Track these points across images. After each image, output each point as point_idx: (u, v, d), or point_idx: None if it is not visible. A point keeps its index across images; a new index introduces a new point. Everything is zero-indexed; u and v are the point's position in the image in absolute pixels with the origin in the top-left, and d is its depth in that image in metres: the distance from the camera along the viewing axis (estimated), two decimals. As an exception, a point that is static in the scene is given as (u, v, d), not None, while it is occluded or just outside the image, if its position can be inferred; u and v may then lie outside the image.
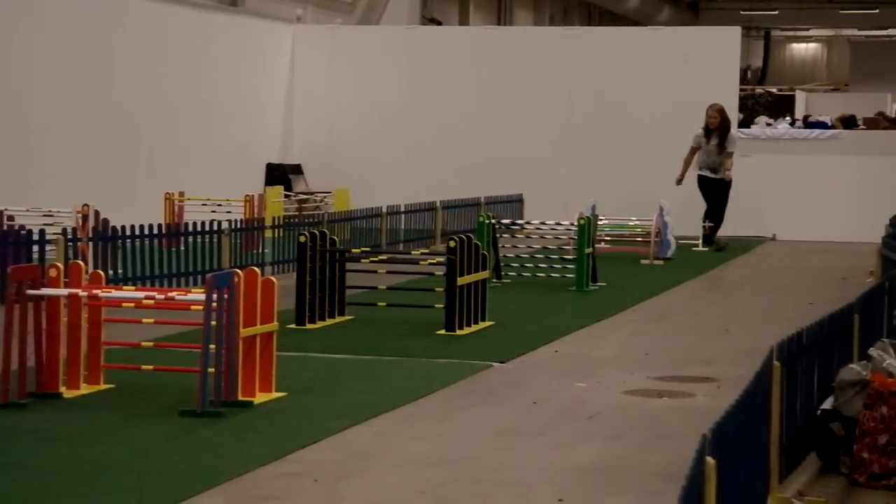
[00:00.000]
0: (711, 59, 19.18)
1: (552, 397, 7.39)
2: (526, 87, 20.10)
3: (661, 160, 18.23)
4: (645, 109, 19.26)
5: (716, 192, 16.74)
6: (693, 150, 16.68)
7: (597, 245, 13.82)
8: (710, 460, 3.54)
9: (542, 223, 13.99)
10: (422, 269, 11.14)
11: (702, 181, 16.73)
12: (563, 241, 14.43)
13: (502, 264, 13.33)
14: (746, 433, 4.29)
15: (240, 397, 6.87)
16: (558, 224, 13.84)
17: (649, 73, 19.56)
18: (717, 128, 16.55)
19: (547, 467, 5.75)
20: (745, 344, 9.20)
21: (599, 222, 15.20)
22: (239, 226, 13.42)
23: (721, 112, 16.71)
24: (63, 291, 6.97)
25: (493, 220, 13.29)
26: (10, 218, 13.32)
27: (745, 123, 21.07)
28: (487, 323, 10.08)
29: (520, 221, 15.28)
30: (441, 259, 10.01)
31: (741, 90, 21.69)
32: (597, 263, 13.17)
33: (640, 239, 15.94)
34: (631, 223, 16.20)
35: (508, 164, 20.17)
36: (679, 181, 16.70)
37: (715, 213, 16.87)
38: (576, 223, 13.07)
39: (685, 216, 16.87)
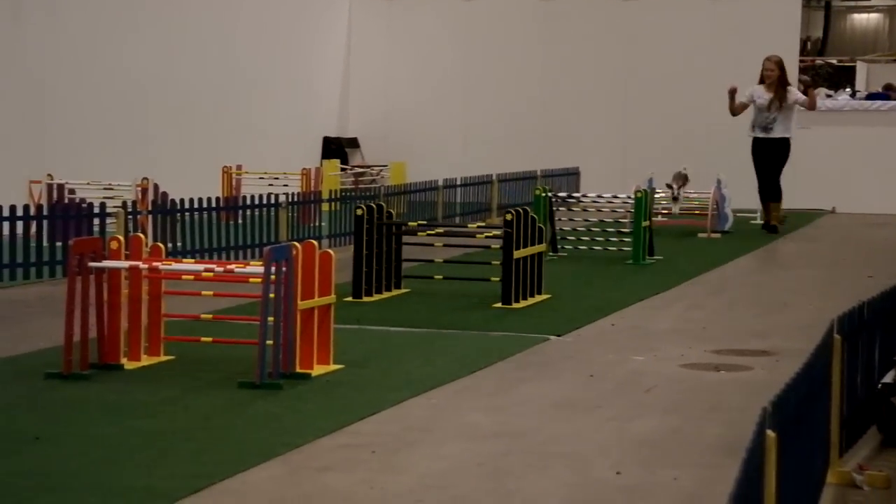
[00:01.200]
0: (771, 29, 18.97)
1: (609, 370, 7.38)
2: (583, 59, 20.00)
3: (719, 133, 18.09)
4: (703, 81, 19.10)
5: (770, 157, 15.13)
6: (742, 105, 15.26)
7: (653, 218, 13.75)
8: (770, 433, 3.53)
9: (599, 196, 13.93)
10: (478, 242, 11.14)
11: (756, 145, 15.19)
12: (620, 215, 14.36)
13: (558, 237, 13.30)
14: (807, 407, 4.27)
15: (298, 369, 6.91)
16: (615, 197, 13.77)
17: (708, 44, 19.40)
18: (774, 82, 15.07)
19: (604, 440, 5.75)
20: (804, 318, 9.13)
21: (656, 195, 15.13)
22: (296, 199, 13.48)
23: (779, 65, 15.22)
24: (124, 264, 7.04)
25: (549, 193, 13.26)
26: (72, 191, 13.48)
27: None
28: (544, 296, 10.07)
29: (576, 194, 15.23)
30: (498, 232, 10.01)
31: (801, 61, 21.46)
32: (653, 237, 13.11)
33: (697, 212, 15.84)
34: (689, 196, 16.10)
35: (565, 136, 20.10)
36: (733, 109, 15.29)
37: (769, 186, 15.24)
38: (632, 196, 13.02)
39: (742, 189, 16.74)
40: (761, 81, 15.09)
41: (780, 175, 15.24)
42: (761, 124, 15.04)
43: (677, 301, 10.27)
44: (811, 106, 15.49)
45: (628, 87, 19.87)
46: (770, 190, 15.21)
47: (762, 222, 15.63)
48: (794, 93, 15.19)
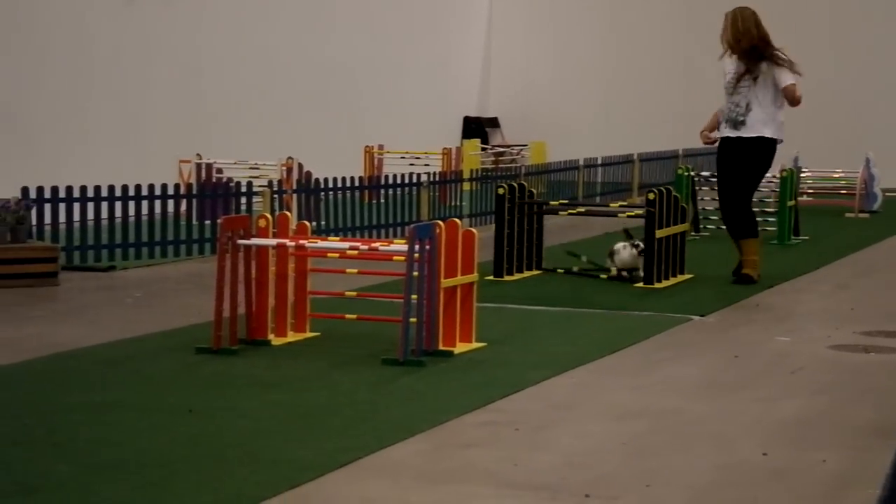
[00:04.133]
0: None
1: (754, 351, 7.28)
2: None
3: (867, 110, 17.67)
4: (849, 58, 18.67)
5: (737, 166, 9.60)
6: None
7: (799, 198, 13.51)
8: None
9: (743, 175, 13.71)
10: (617, 222, 11.08)
11: (721, 148, 9.79)
12: (765, 194, 14.15)
13: (701, 217, 13.16)
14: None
15: (440, 347, 6.97)
16: (759, 176, 13.53)
17: (855, 18, 18.95)
18: (747, 48, 9.57)
19: (749, 421, 5.69)
20: (957, 299, 8.89)
21: (802, 174, 14.86)
22: (437, 178, 13.56)
23: (753, 21, 9.64)
24: (272, 241, 7.17)
25: (692, 173, 13.11)
26: (219, 171, 13.78)
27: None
28: (686, 276, 9.98)
29: (719, 174, 15.02)
30: (640, 211, 9.94)
31: None
32: (799, 216, 12.88)
33: (844, 192, 15.52)
34: (835, 175, 15.78)
35: (706, 114, 19.84)
36: (706, 139, 10.07)
37: (735, 212, 9.69)
38: (778, 175, 12.81)
39: (893, 168, 16.32)
40: (730, 51, 9.72)
41: (749, 196, 9.77)
42: (731, 117, 9.62)
43: (824, 281, 10.09)
44: (791, 99, 9.64)
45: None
46: (737, 219, 9.70)
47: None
48: (781, 70, 9.58)
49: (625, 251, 9.78)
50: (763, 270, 10.04)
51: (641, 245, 9.64)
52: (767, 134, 9.55)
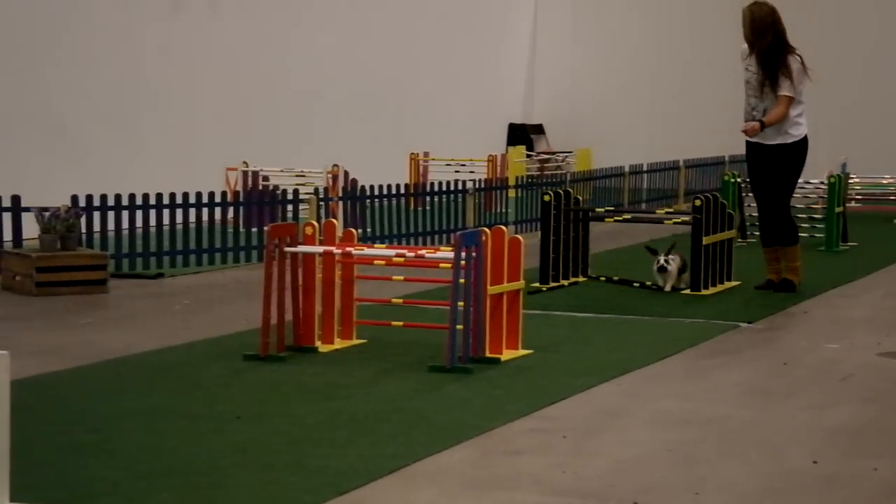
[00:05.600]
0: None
1: (803, 358, 7.23)
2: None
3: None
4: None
5: (767, 173, 9.31)
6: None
7: (847, 204, 13.41)
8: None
9: (790, 181, 13.64)
10: (664, 228, 11.03)
11: (749, 153, 9.47)
12: (812, 200, 14.05)
13: (748, 224, 13.09)
14: None
15: (487, 354, 6.97)
16: (807, 182, 13.48)
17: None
18: (763, 49, 9.13)
19: (799, 428, 5.65)
20: None
21: (850, 180, 14.75)
22: (482, 185, 13.56)
23: (772, 18, 9.18)
24: (318, 249, 7.20)
25: (738, 179, 13.05)
26: (265, 178, 13.84)
27: None
28: (733, 283, 9.93)
29: (766, 180, 14.93)
30: (686, 218, 9.90)
31: None
32: (847, 222, 12.78)
33: (892, 197, 15.39)
34: (884, 181, 15.65)
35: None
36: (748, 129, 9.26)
37: (769, 219, 9.42)
38: (825, 181, 12.72)
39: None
40: (749, 48, 9.26)
41: (785, 202, 9.41)
42: (749, 118, 9.32)
43: (873, 288, 10.00)
44: (774, 110, 9.13)
45: (820, 70, 19.39)
46: (775, 226, 9.41)
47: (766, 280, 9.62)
48: (783, 79, 9.13)
49: (673, 264, 9.62)
50: (811, 277, 9.97)
51: (677, 258, 9.62)
52: (788, 140, 9.26)
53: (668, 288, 9.59)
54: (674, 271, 9.62)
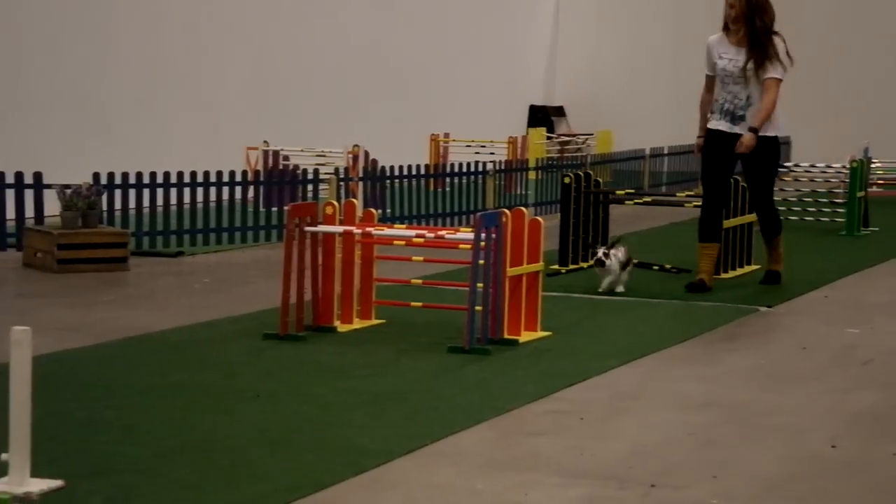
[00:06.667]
0: None
1: (823, 342, 7.21)
2: (793, 21, 19.47)
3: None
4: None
5: (749, 166, 8.78)
6: (709, 86, 8.87)
7: (869, 189, 13.35)
8: None
9: (812, 166, 13.61)
10: (684, 211, 11.01)
11: (712, 141, 8.76)
12: (834, 185, 14.00)
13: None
14: None
15: (505, 335, 6.97)
16: (828, 167, 13.43)
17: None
18: (743, 29, 8.58)
19: (819, 413, 5.64)
20: None
21: (872, 165, 14.68)
22: (502, 167, 13.55)
23: (761, 1, 8.60)
24: (339, 228, 7.20)
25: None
26: (286, 158, 13.85)
27: None
28: (753, 266, 9.90)
29: (787, 164, 14.89)
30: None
31: None
32: (869, 207, 12.73)
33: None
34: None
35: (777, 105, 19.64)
36: (699, 147, 8.93)
37: (761, 212, 9.06)
38: (847, 166, 12.67)
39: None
40: (725, 27, 8.73)
41: (772, 191, 9.19)
42: (728, 108, 8.65)
43: (893, 273, 9.97)
44: (766, 94, 8.57)
45: (842, 55, 19.27)
46: (767, 220, 9.08)
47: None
48: (770, 61, 8.56)
49: (614, 260, 8.54)
50: (832, 262, 9.93)
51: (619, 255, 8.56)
52: (771, 132, 8.62)
53: (602, 287, 8.47)
54: (614, 268, 8.48)
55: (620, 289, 8.58)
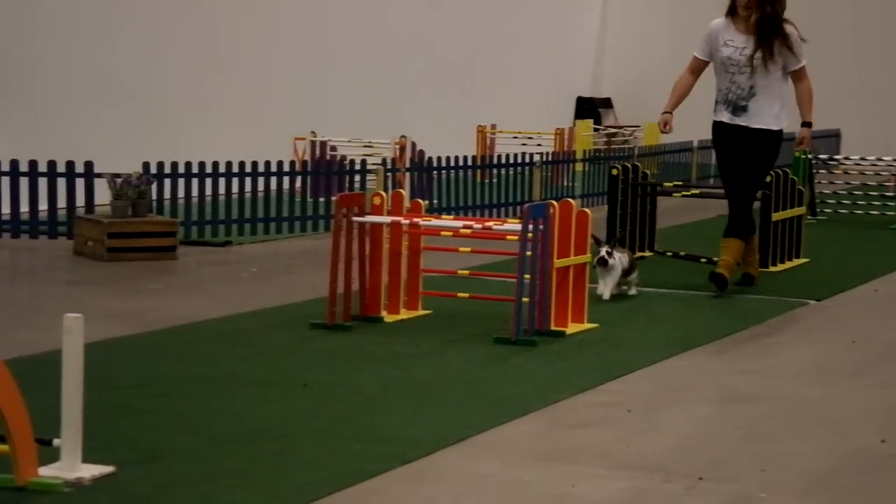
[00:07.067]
0: None
1: (872, 336, 7.16)
2: (840, 14, 19.30)
3: None
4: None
5: (743, 157, 8.28)
6: (695, 69, 8.55)
7: (920, 182, 13.24)
8: None
9: (862, 159, 13.50)
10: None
11: (720, 134, 8.42)
12: (884, 178, 13.87)
13: (818, 200, 12.96)
14: None
15: (552, 327, 6.96)
16: (879, 160, 13.32)
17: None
18: (754, 14, 8.09)
19: (867, 407, 5.60)
20: None
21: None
22: (549, 158, 13.53)
23: None
24: (386, 219, 7.22)
25: (809, 155, 12.91)
26: (333, 148, 13.89)
27: None
28: (802, 260, 9.84)
29: (837, 157, 14.78)
30: (756, 194, 9.79)
31: None
32: (920, 201, 12.61)
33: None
34: None
35: (825, 97, 19.48)
36: (666, 127, 8.65)
37: (738, 211, 8.40)
38: (898, 159, 12.56)
39: None
40: (731, 12, 8.26)
41: (756, 191, 8.64)
42: (731, 98, 8.28)
43: (945, 268, 9.87)
44: (800, 84, 8.33)
45: (888, 42, 19.08)
46: (739, 219, 8.40)
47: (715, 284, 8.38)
48: (789, 52, 8.16)
49: (617, 260, 8.00)
50: (881, 255, 9.85)
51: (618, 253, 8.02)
52: (774, 126, 8.16)
53: (606, 293, 7.89)
54: (617, 268, 7.94)
55: (633, 292, 8.15)
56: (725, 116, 8.25)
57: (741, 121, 8.19)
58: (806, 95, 8.29)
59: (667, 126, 8.50)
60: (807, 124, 8.40)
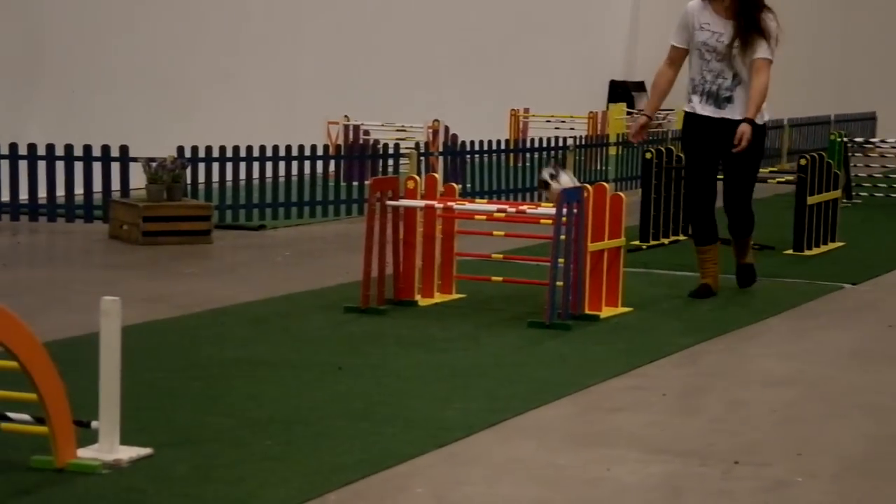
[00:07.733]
0: None
1: (908, 321, 7.12)
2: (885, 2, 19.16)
3: None
4: None
5: (735, 155, 7.46)
6: (674, 59, 7.75)
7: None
8: None
9: (898, 141, 13.41)
10: (766, 187, 10.90)
11: (692, 126, 7.70)
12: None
13: (853, 184, 12.88)
14: None
15: (586, 311, 6.96)
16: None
17: None
18: (742, 7, 7.42)
19: (904, 392, 5.58)
20: None
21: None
22: (582, 142, 13.49)
23: None
24: (420, 203, 7.22)
25: (845, 139, 12.83)
26: (366, 132, 13.90)
27: None
28: (837, 244, 9.79)
29: (873, 140, 14.68)
30: (790, 177, 9.76)
31: None
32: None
33: None
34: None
35: (860, 79, 19.33)
36: (637, 133, 7.85)
37: (736, 210, 7.85)
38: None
39: None
40: None
41: (751, 189, 7.88)
42: (712, 89, 7.56)
43: (982, 252, 9.80)
44: (757, 76, 7.47)
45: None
46: (742, 218, 7.89)
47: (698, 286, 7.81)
48: (761, 40, 7.45)
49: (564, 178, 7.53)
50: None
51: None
52: (758, 121, 7.47)
53: None
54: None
55: None
56: (709, 110, 7.50)
57: (727, 113, 7.46)
58: (759, 89, 7.38)
59: (637, 135, 7.79)
60: (747, 120, 7.35)
